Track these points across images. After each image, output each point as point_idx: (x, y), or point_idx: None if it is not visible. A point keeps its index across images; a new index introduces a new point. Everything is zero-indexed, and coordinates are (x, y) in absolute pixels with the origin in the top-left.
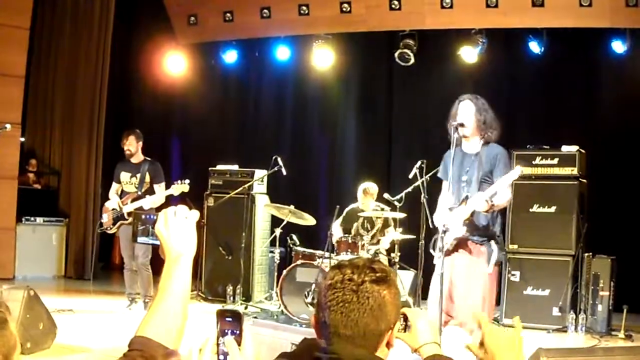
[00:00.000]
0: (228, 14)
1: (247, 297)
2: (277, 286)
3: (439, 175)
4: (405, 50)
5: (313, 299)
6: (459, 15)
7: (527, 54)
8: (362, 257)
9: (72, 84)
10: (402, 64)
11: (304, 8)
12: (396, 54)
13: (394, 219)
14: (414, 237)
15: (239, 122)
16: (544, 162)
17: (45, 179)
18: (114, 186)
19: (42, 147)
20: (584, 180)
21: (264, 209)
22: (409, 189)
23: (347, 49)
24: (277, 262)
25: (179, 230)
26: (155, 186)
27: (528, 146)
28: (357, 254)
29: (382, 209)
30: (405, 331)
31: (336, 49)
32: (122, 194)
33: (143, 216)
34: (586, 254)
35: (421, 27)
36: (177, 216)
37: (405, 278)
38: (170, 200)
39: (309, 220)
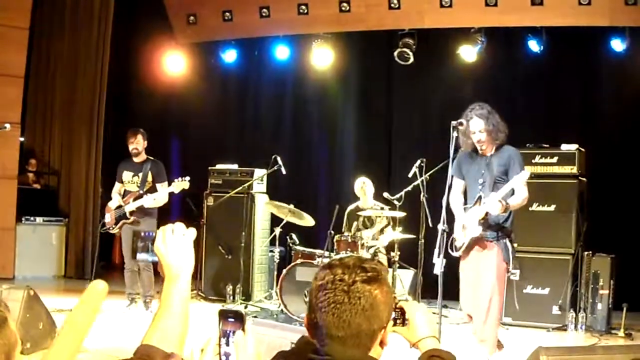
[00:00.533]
0: (227, 14)
1: (247, 296)
2: (276, 285)
3: (451, 173)
4: (405, 50)
5: None
6: (458, 14)
7: (526, 53)
8: (353, 256)
9: (72, 84)
10: (402, 63)
11: (303, 7)
12: (395, 53)
13: (394, 218)
14: (414, 236)
15: (239, 121)
16: (543, 160)
17: (44, 178)
18: (117, 186)
19: (41, 147)
20: (584, 179)
21: (263, 209)
22: (409, 188)
23: (347, 48)
24: (277, 261)
25: (177, 248)
26: (158, 185)
27: (527, 145)
28: (357, 253)
29: (382, 208)
30: (403, 325)
31: (335, 48)
32: (125, 194)
33: (142, 233)
34: (586, 253)
35: (420, 26)
36: (174, 234)
37: (405, 277)
38: (171, 198)
39: (307, 220)
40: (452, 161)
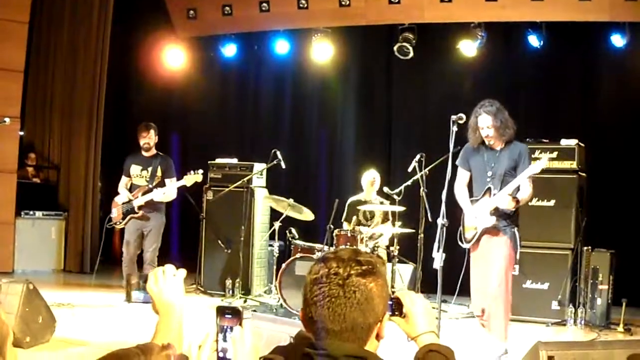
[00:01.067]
0: (227, 8)
1: (246, 290)
2: (276, 280)
3: (457, 163)
4: (405, 44)
5: None
6: (458, 8)
7: (526, 48)
8: (347, 249)
9: (71, 78)
10: (401, 57)
11: (303, 2)
12: (395, 48)
13: (393, 213)
14: (413, 230)
15: (238, 115)
16: (543, 155)
17: (44, 172)
18: (123, 179)
19: (41, 141)
20: (583, 174)
21: (263, 203)
22: (408, 183)
23: (346, 43)
24: (276, 255)
25: (167, 289)
26: (167, 181)
27: (527, 140)
28: (357, 247)
29: (382, 202)
30: (399, 316)
31: (335, 42)
32: (132, 188)
33: (132, 278)
34: (585, 248)
35: (420, 21)
36: (165, 275)
37: (404, 272)
38: (185, 196)
39: (307, 215)
40: (452, 155)
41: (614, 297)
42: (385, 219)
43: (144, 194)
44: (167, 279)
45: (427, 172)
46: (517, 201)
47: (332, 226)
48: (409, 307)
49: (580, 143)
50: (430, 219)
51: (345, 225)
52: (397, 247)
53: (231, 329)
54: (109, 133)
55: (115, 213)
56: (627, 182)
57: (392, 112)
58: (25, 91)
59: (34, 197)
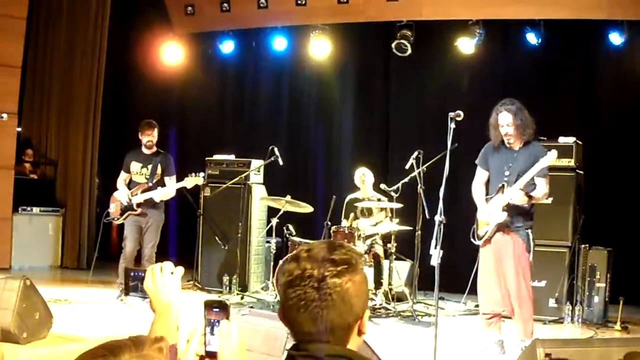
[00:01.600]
0: (225, 4)
1: (243, 287)
2: (273, 276)
3: (477, 162)
4: (403, 41)
5: None
6: (456, 6)
7: (524, 46)
8: (322, 245)
9: (69, 74)
10: (399, 54)
11: None
12: (393, 45)
13: (391, 210)
14: (411, 227)
15: (236, 112)
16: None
17: (41, 169)
18: (122, 175)
19: (38, 137)
20: (581, 172)
21: (260, 199)
22: (406, 180)
23: (344, 40)
24: (274, 252)
25: (165, 286)
26: (166, 179)
27: None
28: (354, 245)
29: (379, 200)
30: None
31: (333, 39)
32: (131, 184)
33: (132, 273)
34: (583, 246)
35: (418, 18)
36: (163, 273)
37: (401, 268)
38: (183, 192)
39: (305, 207)
40: (450, 152)
41: (611, 295)
42: (384, 217)
43: (143, 191)
44: (165, 277)
45: (425, 169)
46: (530, 197)
47: (329, 222)
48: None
49: (578, 141)
50: (427, 216)
51: (344, 222)
52: (395, 244)
53: (218, 322)
54: (106, 129)
55: (114, 208)
56: (625, 180)
57: (389, 109)
58: (23, 87)
59: (31, 193)
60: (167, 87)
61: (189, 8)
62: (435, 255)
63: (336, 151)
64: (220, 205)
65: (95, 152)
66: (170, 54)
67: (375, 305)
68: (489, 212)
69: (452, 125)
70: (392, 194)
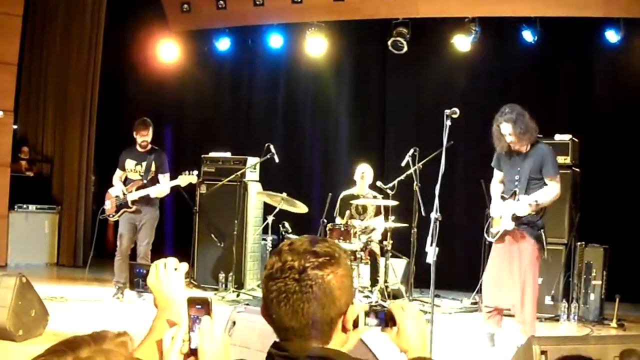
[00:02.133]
0: (221, 2)
1: (240, 284)
2: None
3: (492, 165)
4: (399, 39)
5: None
6: (452, 3)
7: (520, 43)
8: (304, 239)
9: (65, 72)
10: (395, 52)
11: None
12: (389, 42)
13: (387, 207)
14: (407, 225)
15: (232, 109)
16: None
17: (37, 166)
18: (118, 173)
19: (34, 135)
20: (577, 169)
21: (256, 197)
22: (402, 177)
23: (341, 37)
24: (269, 249)
25: (168, 282)
26: (160, 176)
27: None
28: (350, 242)
29: (375, 197)
30: (390, 328)
31: (329, 37)
32: (127, 182)
33: (135, 269)
34: (579, 243)
35: (414, 16)
36: (167, 269)
37: (397, 266)
38: (178, 189)
39: (301, 208)
40: (445, 150)
41: (607, 293)
42: (377, 213)
43: (138, 188)
44: (169, 273)
45: (421, 166)
46: (538, 206)
47: (325, 220)
48: (401, 319)
49: (574, 138)
50: (423, 213)
51: (338, 220)
52: (391, 242)
53: (198, 318)
54: (102, 126)
55: (109, 205)
56: (621, 178)
57: (385, 107)
58: (19, 84)
59: (27, 190)
60: (163, 85)
61: (185, 5)
62: (431, 253)
63: (332, 148)
64: (216, 202)
65: (91, 149)
66: (166, 51)
67: (371, 302)
68: (500, 215)
69: (448, 123)
70: (388, 191)
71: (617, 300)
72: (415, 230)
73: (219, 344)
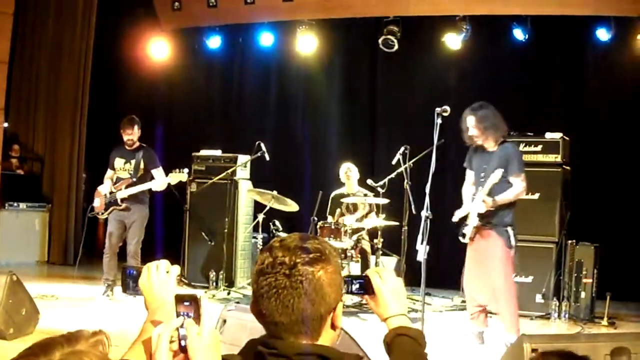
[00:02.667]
0: (212, 0)
1: (230, 282)
2: None
3: (464, 164)
4: (389, 37)
5: None
6: (443, 1)
7: (511, 41)
8: (294, 236)
9: (56, 70)
10: (386, 50)
11: None
12: (380, 40)
13: (377, 205)
14: (397, 223)
15: (223, 107)
16: (527, 149)
17: (28, 164)
18: (109, 172)
19: (25, 133)
20: (568, 167)
21: (246, 195)
22: (392, 175)
23: (331, 35)
24: (260, 247)
25: (160, 285)
26: (154, 171)
27: (511, 133)
28: (340, 240)
29: (365, 195)
30: (368, 295)
31: (320, 35)
32: (116, 180)
33: (127, 271)
34: (570, 241)
35: (405, 14)
36: (158, 271)
37: (388, 264)
38: (169, 187)
39: (291, 206)
40: (436, 148)
41: (598, 291)
42: (369, 212)
43: (127, 187)
44: (160, 275)
45: (412, 164)
46: (494, 203)
47: (315, 218)
48: (379, 286)
49: (564, 136)
50: (414, 212)
51: (330, 219)
52: (381, 240)
53: (187, 315)
54: (93, 125)
55: (98, 203)
56: (612, 176)
57: (376, 105)
58: (10, 82)
59: (17, 188)
60: (154, 83)
61: (176, 4)
62: (422, 251)
63: (323, 146)
64: (206, 200)
65: (82, 147)
66: (157, 49)
67: (362, 300)
68: (468, 214)
69: (439, 121)
70: (379, 189)
71: (608, 298)
72: (406, 228)
73: (209, 340)
